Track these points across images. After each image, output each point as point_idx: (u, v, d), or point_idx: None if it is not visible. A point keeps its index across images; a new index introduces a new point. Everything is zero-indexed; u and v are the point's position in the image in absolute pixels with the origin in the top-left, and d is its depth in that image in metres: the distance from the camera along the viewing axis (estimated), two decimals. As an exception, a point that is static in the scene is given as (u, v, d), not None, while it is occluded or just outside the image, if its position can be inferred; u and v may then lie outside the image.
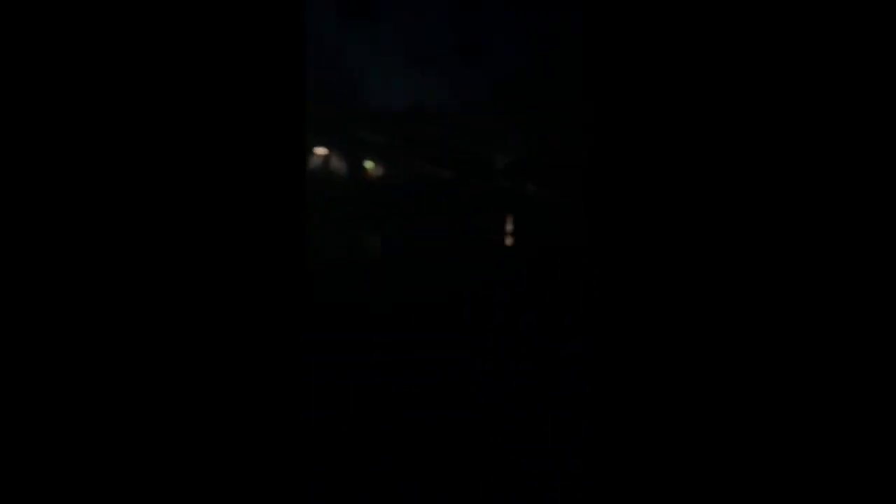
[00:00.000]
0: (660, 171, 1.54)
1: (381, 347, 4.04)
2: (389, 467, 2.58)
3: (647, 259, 1.56)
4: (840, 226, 1.42)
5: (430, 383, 3.37)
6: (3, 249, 1.40)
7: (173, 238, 1.52)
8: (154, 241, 1.50)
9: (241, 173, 1.58)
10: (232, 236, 1.57)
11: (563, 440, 2.86)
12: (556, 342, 3.92)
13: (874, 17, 1.38)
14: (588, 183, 1.70)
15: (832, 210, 1.42)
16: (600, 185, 1.61)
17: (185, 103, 1.53)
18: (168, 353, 1.52)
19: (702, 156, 1.49)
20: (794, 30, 1.44)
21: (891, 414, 1.40)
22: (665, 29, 1.51)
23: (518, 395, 3.28)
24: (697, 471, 1.53)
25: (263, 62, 1.58)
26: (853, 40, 1.39)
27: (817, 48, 1.43)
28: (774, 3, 1.44)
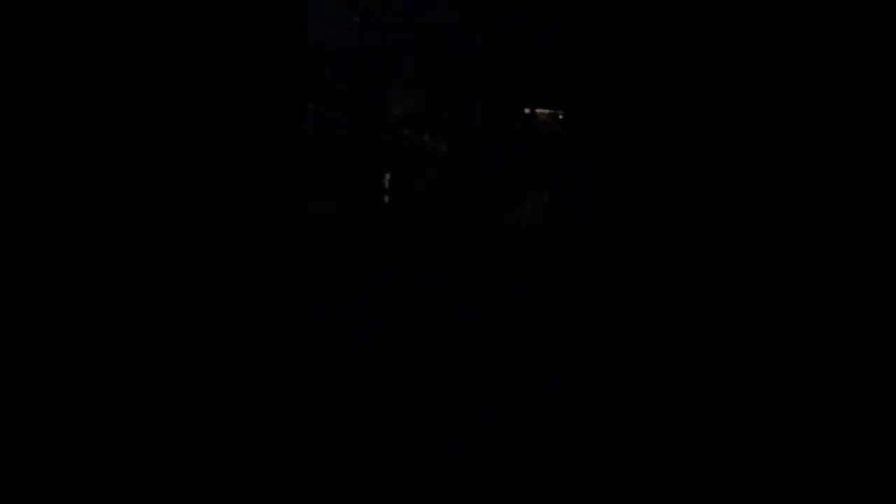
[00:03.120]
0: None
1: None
2: (389, 467, 2.57)
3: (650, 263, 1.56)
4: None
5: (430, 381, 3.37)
6: (3, 252, 1.40)
7: (170, 234, 1.52)
8: (151, 238, 1.50)
9: (236, 169, 1.58)
10: (230, 232, 1.57)
11: (564, 439, 2.86)
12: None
13: (873, 22, 1.37)
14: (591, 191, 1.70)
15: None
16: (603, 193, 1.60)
17: (183, 98, 1.52)
18: (166, 351, 1.51)
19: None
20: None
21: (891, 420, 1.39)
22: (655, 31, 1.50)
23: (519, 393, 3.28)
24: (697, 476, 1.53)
25: (262, 58, 1.58)
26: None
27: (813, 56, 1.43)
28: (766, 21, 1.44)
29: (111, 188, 1.46)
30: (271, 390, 1.60)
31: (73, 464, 1.45)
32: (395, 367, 3.60)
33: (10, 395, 1.42)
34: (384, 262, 5.79)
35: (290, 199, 1.63)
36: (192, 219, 1.52)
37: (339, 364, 3.60)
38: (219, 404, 1.54)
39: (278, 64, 1.58)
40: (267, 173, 1.59)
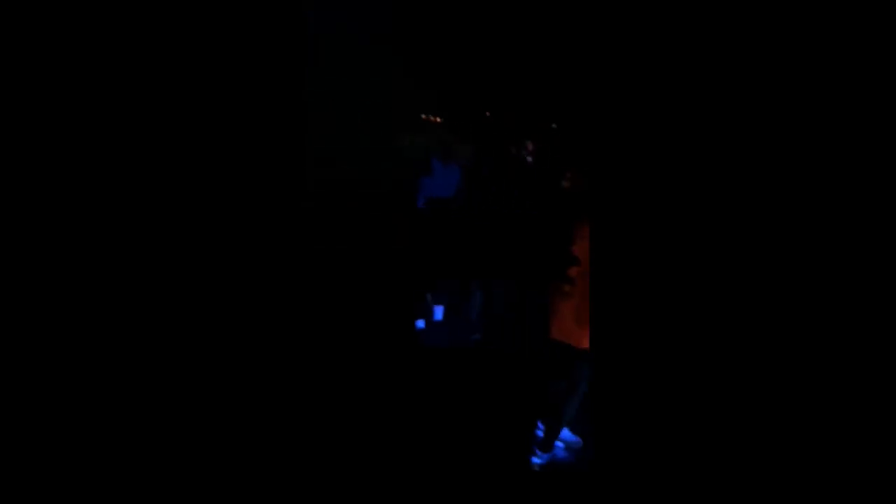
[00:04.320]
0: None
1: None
2: (389, 467, 2.57)
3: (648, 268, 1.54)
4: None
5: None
6: (5, 249, 1.40)
7: (174, 233, 1.51)
8: (154, 236, 1.50)
9: (243, 167, 1.58)
10: (233, 230, 1.56)
11: (566, 438, 2.84)
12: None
13: (874, 17, 1.37)
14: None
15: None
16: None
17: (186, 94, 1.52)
18: (166, 347, 1.51)
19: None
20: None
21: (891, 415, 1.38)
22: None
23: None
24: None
25: (265, 60, 1.58)
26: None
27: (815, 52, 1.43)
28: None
29: (118, 180, 1.46)
30: (271, 387, 1.59)
31: (67, 455, 1.43)
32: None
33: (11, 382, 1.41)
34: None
35: (291, 190, 1.62)
36: (195, 214, 1.51)
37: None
38: (219, 400, 1.53)
39: (281, 57, 1.58)
40: (269, 167, 1.59)
